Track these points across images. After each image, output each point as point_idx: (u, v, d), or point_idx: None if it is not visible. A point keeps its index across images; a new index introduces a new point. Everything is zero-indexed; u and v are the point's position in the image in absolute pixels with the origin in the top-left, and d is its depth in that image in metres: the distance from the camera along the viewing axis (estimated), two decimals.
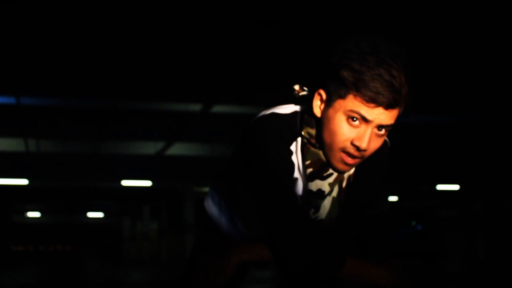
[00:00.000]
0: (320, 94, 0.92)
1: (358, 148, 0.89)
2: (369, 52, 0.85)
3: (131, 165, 13.74)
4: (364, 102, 0.85)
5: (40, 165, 12.87)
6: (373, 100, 0.85)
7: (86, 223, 34.35)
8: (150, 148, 11.23)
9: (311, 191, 1.00)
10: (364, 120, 0.88)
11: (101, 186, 17.19)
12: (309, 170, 0.98)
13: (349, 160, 0.92)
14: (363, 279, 1.05)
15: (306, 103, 0.98)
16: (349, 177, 1.02)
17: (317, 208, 1.03)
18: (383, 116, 0.87)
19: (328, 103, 0.91)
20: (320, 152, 0.96)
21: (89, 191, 18.48)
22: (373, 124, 0.89)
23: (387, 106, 0.86)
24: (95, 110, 8.78)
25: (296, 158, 0.99)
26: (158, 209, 21.43)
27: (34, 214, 30.81)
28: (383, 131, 0.91)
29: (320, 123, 0.93)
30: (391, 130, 0.94)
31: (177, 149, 11.13)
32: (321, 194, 1.01)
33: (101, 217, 31.82)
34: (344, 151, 0.90)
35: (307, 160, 0.97)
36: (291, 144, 0.97)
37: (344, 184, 1.01)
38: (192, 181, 16.41)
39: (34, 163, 12.59)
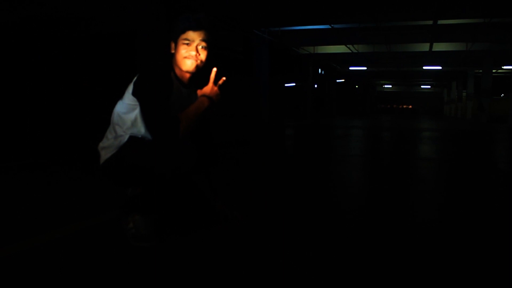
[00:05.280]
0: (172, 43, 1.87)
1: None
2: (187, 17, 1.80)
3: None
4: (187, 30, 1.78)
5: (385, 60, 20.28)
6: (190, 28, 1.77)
7: (420, 92, 41.60)
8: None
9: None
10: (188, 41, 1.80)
11: (426, 70, 25.62)
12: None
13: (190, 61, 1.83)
14: (198, 112, 1.66)
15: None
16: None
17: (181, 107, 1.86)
18: (196, 35, 1.78)
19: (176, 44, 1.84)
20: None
21: (422, 73, 27.53)
22: (195, 43, 1.77)
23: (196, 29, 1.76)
24: None
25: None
26: (464, 83, 27.43)
27: (388, 86, 39.88)
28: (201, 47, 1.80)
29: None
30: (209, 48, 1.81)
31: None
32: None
33: (429, 88, 39.40)
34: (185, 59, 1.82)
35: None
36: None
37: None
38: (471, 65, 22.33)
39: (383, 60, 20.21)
